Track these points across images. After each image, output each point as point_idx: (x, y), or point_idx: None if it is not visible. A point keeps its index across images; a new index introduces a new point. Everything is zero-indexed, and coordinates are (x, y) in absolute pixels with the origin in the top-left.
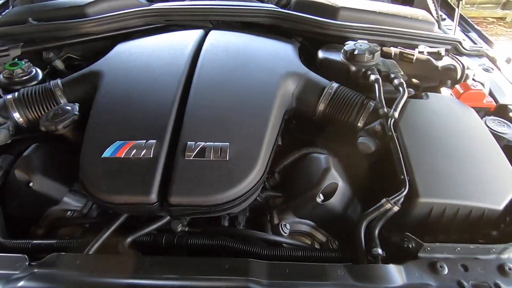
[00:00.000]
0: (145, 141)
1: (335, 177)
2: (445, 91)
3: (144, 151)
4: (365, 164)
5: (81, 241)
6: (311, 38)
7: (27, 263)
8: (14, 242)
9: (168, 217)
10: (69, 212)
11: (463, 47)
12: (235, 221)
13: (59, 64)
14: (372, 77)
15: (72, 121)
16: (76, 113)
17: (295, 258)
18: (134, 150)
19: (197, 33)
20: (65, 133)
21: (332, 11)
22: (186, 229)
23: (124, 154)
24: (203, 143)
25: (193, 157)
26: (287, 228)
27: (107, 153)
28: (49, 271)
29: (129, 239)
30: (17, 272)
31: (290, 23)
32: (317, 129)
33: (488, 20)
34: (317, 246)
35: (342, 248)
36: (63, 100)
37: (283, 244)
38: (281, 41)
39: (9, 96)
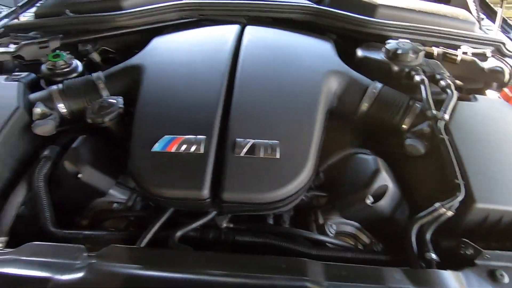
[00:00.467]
0: (194, 136)
1: (386, 179)
2: (491, 93)
3: (195, 146)
4: (409, 166)
5: (131, 234)
6: (346, 35)
7: (85, 254)
8: (66, 232)
9: (214, 213)
10: (115, 204)
11: (507, 49)
12: (280, 219)
13: (95, 56)
14: (417, 78)
15: (117, 114)
16: (121, 106)
17: (344, 260)
18: (185, 145)
19: (235, 28)
20: (109, 126)
21: (370, 9)
22: (231, 225)
23: (174, 148)
24: (252, 140)
25: (243, 154)
26: (333, 229)
27: (157, 147)
28: (107, 263)
29: (179, 233)
30: (78, 262)
31: (326, 20)
32: (357, 128)
33: None
34: (360, 247)
35: (388, 251)
36: (105, 93)
37: (328, 245)
38: (318, 38)
39: (54, 87)
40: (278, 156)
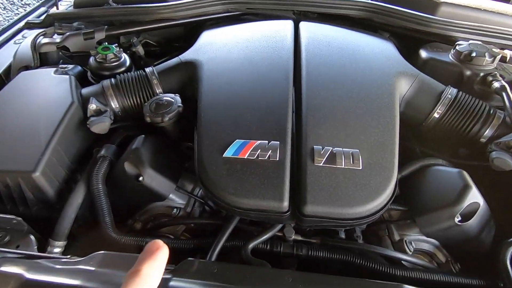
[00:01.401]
0: (267, 142)
1: (477, 196)
2: None
3: (270, 152)
4: (489, 181)
5: (197, 243)
6: (401, 34)
7: None
8: (128, 239)
9: (281, 224)
10: (175, 210)
11: None
12: (353, 233)
13: (140, 50)
14: (497, 84)
15: (177, 113)
16: (180, 105)
17: (427, 282)
18: (258, 151)
19: (289, 24)
20: (166, 126)
21: (431, 6)
22: (299, 238)
23: (247, 154)
24: (331, 148)
25: (323, 163)
26: (412, 246)
27: (228, 152)
28: (186, 280)
29: (251, 245)
30: None
31: (384, 18)
32: (422, 137)
33: None
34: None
35: (467, 273)
36: (158, 90)
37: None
38: (377, 37)
39: (107, 82)
40: (360, 166)
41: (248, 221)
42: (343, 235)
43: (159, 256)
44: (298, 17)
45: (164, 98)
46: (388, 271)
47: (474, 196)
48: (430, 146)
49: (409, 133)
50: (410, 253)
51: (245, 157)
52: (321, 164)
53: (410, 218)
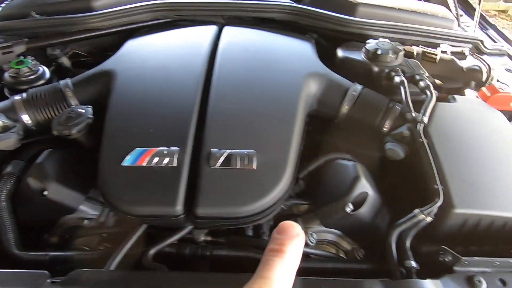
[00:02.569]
0: (167, 148)
1: (365, 186)
2: (469, 93)
3: (167, 159)
4: (388, 171)
5: (101, 253)
6: (327, 35)
7: (49, 281)
8: (31, 254)
9: (191, 227)
10: (86, 221)
11: (485, 46)
12: (259, 230)
13: (65, 61)
14: (397, 79)
15: (86, 125)
16: (90, 116)
17: (326, 270)
18: (156, 158)
19: (212, 30)
20: (77, 138)
21: (350, 7)
22: (209, 238)
23: (145, 162)
24: (228, 150)
25: (218, 166)
26: (314, 238)
27: (127, 161)
28: None
29: (152, 251)
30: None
31: (308, 20)
32: (337, 131)
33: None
34: (342, 254)
35: (369, 258)
36: (74, 102)
37: (310, 255)
38: (298, 39)
39: (17, 97)
40: (255, 166)
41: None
42: (250, 233)
43: (300, 239)
44: (229, 22)
45: (76, 110)
46: None
47: (363, 186)
48: (346, 140)
49: (330, 129)
50: (312, 244)
51: (143, 165)
52: (216, 167)
53: (313, 211)
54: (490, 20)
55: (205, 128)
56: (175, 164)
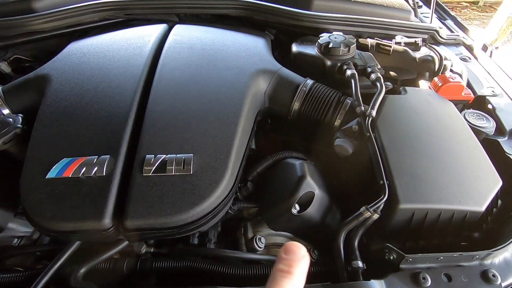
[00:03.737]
0: (97, 157)
1: (311, 186)
2: (423, 84)
3: (96, 168)
4: (343, 167)
5: (30, 274)
6: (285, 30)
7: None
8: None
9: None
10: (15, 240)
11: (440, 36)
12: (205, 237)
13: (4, 67)
14: (348, 72)
15: (13, 135)
16: (19, 125)
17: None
18: (84, 168)
19: (159, 28)
20: (7, 149)
21: (305, 1)
22: (152, 250)
23: (72, 173)
24: (164, 155)
25: (152, 173)
26: (261, 242)
27: (52, 173)
28: None
29: (82, 270)
30: None
31: (262, 15)
32: (293, 129)
33: (461, 4)
34: None
35: (322, 258)
36: (5, 111)
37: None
38: (252, 35)
39: None
40: (192, 171)
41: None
42: (195, 241)
43: (306, 261)
44: (185, 20)
45: (4, 119)
46: (230, 273)
47: (309, 186)
48: (302, 137)
49: (285, 127)
50: (260, 249)
51: (70, 176)
52: (149, 174)
53: (260, 215)
54: (463, 11)
55: (141, 133)
56: (104, 173)
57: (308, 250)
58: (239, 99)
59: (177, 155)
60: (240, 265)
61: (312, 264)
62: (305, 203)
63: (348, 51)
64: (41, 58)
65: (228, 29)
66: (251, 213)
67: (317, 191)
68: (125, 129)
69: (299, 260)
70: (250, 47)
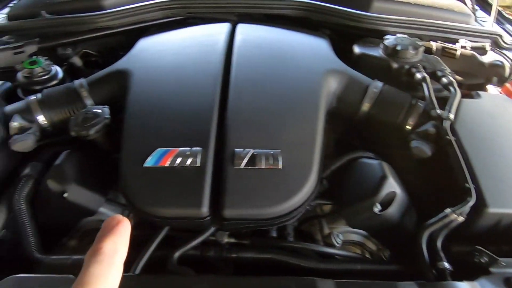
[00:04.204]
0: (189, 148)
1: (393, 186)
2: (491, 89)
3: (190, 159)
4: (415, 169)
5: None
6: (340, 31)
7: None
8: (52, 258)
9: (213, 228)
10: None
11: (504, 41)
12: (283, 231)
13: (77, 61)
14: (419, 75)
15: (104, 125)
16: (107, 116)
17: (354, 272)
18: (179, 159)
19: (225, 27)
20: (95, 138)
21: (364, 3)
22: (232, 240)
23: (168, 163)
24: (252, 150)
25: (243, 166)
26: (339, 239)
27: (149, 162)
28: None
29: (177, 254)
30: None
31: (321, 16)
32: (357, 129)
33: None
34: (367, 255)
35: (397, 259)
36: (89, 102)
37: (336, 256)
38: (313, 35)
39: (32, 98)
40: (280, 166)
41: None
42: (274, 234)
43: (121, 230)
44: (240, 19)
45: (92, 110)
46: (310, 267)
47: (391, 186)
48: (366, 138)
49: (348, 128)
50: (338, 245)
51: (166, 166)
52: (241, 167)
53: (337, 212)
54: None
55: (226, 127)
56: (198, 164)
57: (380, 250)
58: (316, 98)
59: (265, 150)
60: (323, 260)
61: (388, 263)
62: (386, 203)
63: (416, 53)
64: (105, 53)
65: (288, 29)
66: (325, 210)
67: (399, 192)
68: (211, 123)
69: (109, 234)
70: (316, 47)
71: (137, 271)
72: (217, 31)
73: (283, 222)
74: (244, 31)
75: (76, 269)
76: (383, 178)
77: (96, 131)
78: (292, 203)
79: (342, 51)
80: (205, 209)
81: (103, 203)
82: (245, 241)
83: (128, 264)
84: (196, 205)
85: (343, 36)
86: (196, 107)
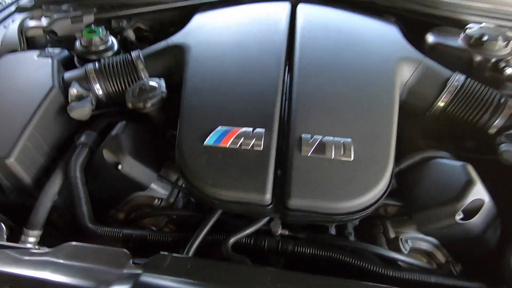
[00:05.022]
0: (252, 129)
1: (481, 192)
2: None
3: (253, 141)
4: (499, 176)
5: (175, 236)
6: (409, 18)
7: (131, 261)
8: (105, 230)
9: (268, 218)
10: (156, 200)
11: None
12: (344, 229)
13: (131, 34)
14: (510, 71)
15: (160, 99)
16: (164, 90)
17: (427, 285)
18: (242, 139)
19: (285, 6)
20: (150, 112)
21: None
22: (286, 232)
23: (230, 143)
24: (321, 137)
25: (311, 154)
26: (408, 245)
27: (210, 141)
28: (158, 276)
29: (232, 240)
30: (123, 271)
31: (389, 1)
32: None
33: None
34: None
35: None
36: (144, 74)
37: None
38: (381, 20)
39: (91, 66)
40: (352, 157)
41: (233, 214)
42: (333, 231)
43: None
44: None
45: (148, 83)
46: (380, 271)
47: (479, 192)
48: (434, 137)
49: (412, 123)
50: (406, 252)
51: (227, 146)
52: (309, 154)
53: (407, 215)
54: None
55: (292, 110)
56: (261, 148)
57: (449, 263)
58: (390, 87)
59: (335, 138)
60: (393, 267)
61: (463, 279)
62: (471, 211)
63: (506, 46)
64: (156, 29)
65: (354, 12)
66: (390, 211)
67: (487, 200)
68: (275, 104)
69: None
70: (386, 33)
71: (190, 253)
72: (278, 10)
73: (351, 220)
74: (306, 11)
75: (127, 242)
76: (470, 183)
77: (152, 104)
78: (366, 199)
79: (411, 40)
80: (268, 196)
81: (155, 179)
82: (300, 235)
83: (177, 245)
84: (260, 191)
85: (410, 23)
86: (259, 86)
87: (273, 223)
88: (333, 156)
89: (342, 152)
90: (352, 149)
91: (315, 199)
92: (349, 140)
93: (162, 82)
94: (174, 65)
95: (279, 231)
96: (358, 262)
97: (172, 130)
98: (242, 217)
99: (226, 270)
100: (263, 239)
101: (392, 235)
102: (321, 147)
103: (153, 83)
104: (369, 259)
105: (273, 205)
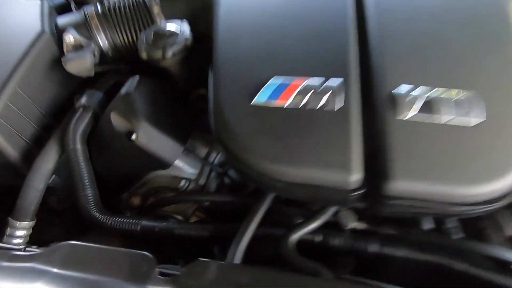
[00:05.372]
0: (322, 79)
1: None
2: None
3: (327, 97)
4: None
5: (212, 230)
6: None
7: (157, 269)
8: (116, 221)
9: (334, 208)
10: (183, 182)
11: None
12: (442, 225)
13: None
14: None
15: (184, 47)
16: (188, 37)
17: None
18: (308, 95)
19: None
20: (169, 66)
21: None
22: (363, 226)
23: (289, 100)
24: (428, 91)
25: (411, 116)
26: None
27: (261, 97)
28: None
29: (294, 237)
30: (145, 286)
31: None
32: None
33: None
34: None
35: None
36: (161, 20)
37: None
38: None
39: (91, 9)
40: (480, 120)
41: (283, 199)
42: (427, 226)
43: None
44: None
45: (166, 28)
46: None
47: None
48: None
49: None
50: None
51: (286, 106)
52: (409, 118)
53: None
54: None
55: (374, 54)
56: (339, 106)
57: None
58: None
59: (446, 92)
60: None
61: None
62: None
63: None
64: None
65: None
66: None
67: None
68: (349, 45)
69: None
70: None
71: (237, 258)
72: None
73: (481, 212)
74: None
75: (147, 237)
76: None
77: (173, 53)
78: (505, 184)
79: None
80: (357, 176)
81: (181, 154)
82: (387, 230)
83: (208, 242)
84: (344, 169)
85: None
86: (323, 22)
87: (344, 214)
88: (449, 120)
89: (464, 113)
90: (480, 108)
91: (427, 181)
92: (474, 94)
93: (186, 25)
94: (198, 9)
95: (353, 224)
96: (472, 271)
97: (198, 90)
98: (296, 203)
99: (291, 281)
100: (335, 235)
101: (509, 233)
102: (429, 106)
103: (172, 26)
104: (483, 267)
105: (365, 190)
